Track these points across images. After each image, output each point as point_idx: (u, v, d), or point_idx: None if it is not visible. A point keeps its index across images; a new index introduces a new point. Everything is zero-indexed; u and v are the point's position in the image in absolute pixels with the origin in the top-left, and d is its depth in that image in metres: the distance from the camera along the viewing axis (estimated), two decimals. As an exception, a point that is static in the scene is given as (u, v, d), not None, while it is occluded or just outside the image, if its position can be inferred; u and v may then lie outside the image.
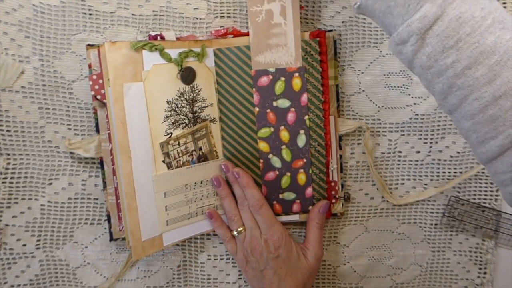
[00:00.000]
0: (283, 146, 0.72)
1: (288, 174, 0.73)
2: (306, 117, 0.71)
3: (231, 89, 0.71)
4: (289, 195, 0.74)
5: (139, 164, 0.66)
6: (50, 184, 0.72)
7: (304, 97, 0.71)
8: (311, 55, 0.70)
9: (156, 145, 0.67)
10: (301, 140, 0.72)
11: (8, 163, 0.70)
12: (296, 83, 0.70)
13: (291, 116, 0.71)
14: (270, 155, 0.72)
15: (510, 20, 0.45)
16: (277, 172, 0.73)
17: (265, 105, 0.71)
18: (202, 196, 0.72)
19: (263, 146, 0.72)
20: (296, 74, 0.70)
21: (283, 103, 0.71)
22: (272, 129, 0.71)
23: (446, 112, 0.51)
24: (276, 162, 0.72)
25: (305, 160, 0.72)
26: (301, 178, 0.73)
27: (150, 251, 0.68)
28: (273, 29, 0.69)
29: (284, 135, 0.72)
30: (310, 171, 0.73)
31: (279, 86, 0.70)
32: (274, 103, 0.71)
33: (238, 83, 0.70)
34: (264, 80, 0.70)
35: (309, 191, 0.73)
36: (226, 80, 0.71)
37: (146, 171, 0.66)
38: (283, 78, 0.70)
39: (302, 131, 0.72)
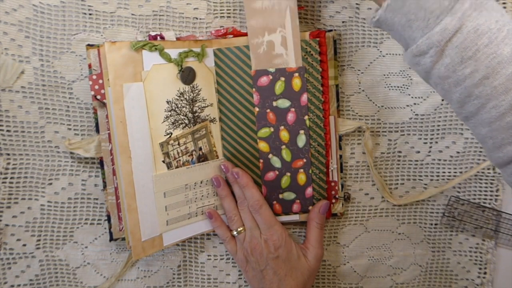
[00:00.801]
0: (283, 146, 0.72)
1: (288, 174, 0.73)
2: (306, 117, 0.71)
3: (231, 89, 0.71)
4: (289, 195, 0.73)
5: (139, 164, 0.66)
6: (50, 184, 0.72)
7: (304, 97, 0.71)
8: (311, 55, 0.70)
9: (156, 145, 0.67)
10: (301, 140, 0.72)
11: (8, 163, 0.70)
12: (296, 83, 0.70)
13: (291, 116, 0.71)
14: (270, 155, 0.72)
15: None
16: (277, 172, 0.73)
17: (265, 105, 0.71)
18: (202, 196, 0.72)
19: (263, 146, 0.72)
20: (296, 74, 0.70)
21: (283, 103, 0.71)
22: (272, 129, 0.71)
23: (462, 119, 0.52)
24: (276, 162, 0.72)
25: (305, 160, 0.72)
26: (301, 178, 0.73)
27: (150, 251, 0.68)
28: (275, 59, 0.69)
29: (284, 135, 0.71)
30: (310, 171, 0.73)
31: (279, 86, 0.70)
32: (274, 103, 0.71)
33: (238, 83, 0.70)
34: (264, 80, 0.70)
35: (309, 191, 0.73)
36: (226, 80, 0.71)
37: (146, 171, 0.66)
38: (283, 78, 0.70)
39: (302, 131, 0.71)
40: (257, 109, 0.71)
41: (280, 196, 0.73)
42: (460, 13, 0.47)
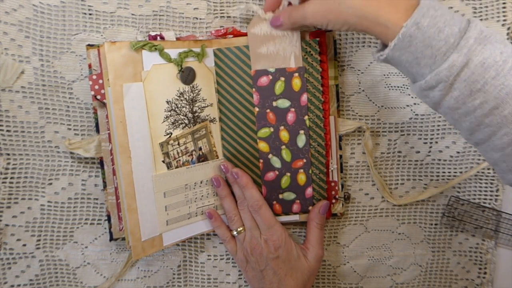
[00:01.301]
0: (283, 146, 0.72)
1: (288, 174, 0.72)
2: (306, 117, 0.71)
3: (231, 89, 0.70)
4: (289, 195, 0.73)
5: (139, 164, 0.66)
6: (50, 184, 0.72)
7: (304, 97, 0.70)
8: (311, 55, 0.70)
9: (156, 145, 0.67)
10: (301, 140, 0.71)
11: (8, 163, 0.70)
12: (296, 83, 0.70)
13: (291, 116, 0.71)
14: (270, 155, 0.72)
15: None
16: (277, 172, 0.72)
17: (264, 105, 0.70)
18: (202, 196, 0.72)
19: (263, 146, 0.72)
20: (296, 74, 0.69)
21: (283, 103, 0.70)
22: (272, 129, 0.71)
23: (472, 144, 0.54)
24: (276, 162, 0.72)
25: (305, 160, 0.72)
26: (301, 178, 0.73)
27: (150, 251, 0.68)
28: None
29: (284, 135, 0.71)
30: (310, 171, 0.72)
31: (279, 86, 0.70)
32: (274, 103, 0.70)
33: (238, 83, 0.70)
34: (263, 80, 0.70)
35: (309, 191, 0.73)
36: (226, 80, 0.70)
37: (146, 171, 0.66)
38: (282, 78, 0.70)
39: (302, 131, 0.71)
40: (257, 109, 0.71)
41: (280, 196, 0.73)
42: (466, 49, 0.48)
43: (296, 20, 0.62)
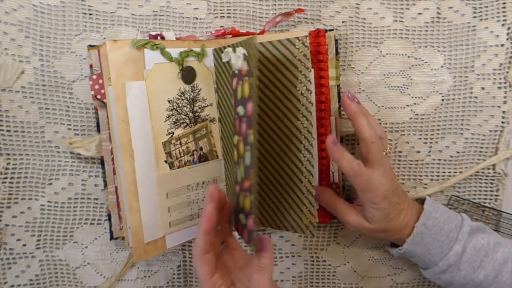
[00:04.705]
0: (241, 160, 0.60)
1: (242, 193, 0.60)
2: (250, 131, 0.58)
3: (227, 90, 0.69)
4: (243, 219, 0.61)
5: (141, 164, 0.65)
6: (50, 184, 0.71)
7: (250, 107, 0.58)
8: (251, 56, 0.59)
9: (158, 145, 0.66)
10: (247, 158, 0.58)
11: (8, 163, 0.70)
12: (245, 88, 0.59)
13: (243, 127, 0.59)
14: (237, 166, 0.61)
15: (502, 239, 0.68)
16: (238, 187, 0.61)
17: (235, 110, 0.62)
18: (204, 197, 0.71)
19: (235, 154, 0.62)
20: (246, 78, 0.59)
21: (240, 110, 0.60)
22: (239, 138, 0.61)
23: None
24: (238, 175, 0.61)
25: (249, 183, 0.59)
26: (246, 203, 0.60)
27: (152, 253, 0.66)
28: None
29: (241, 147, 0.60)
30: (253, 198, 0.59)
31: (240, 91, 0.60)
32: (237, 109, 0.61)
33: (232, 84, 0.68)
34: (234, 83, 0.62)
35: (250, 222, 0.59)
36: (223, 80, 0.70)
37: (148, 171, 0.65)
38: (241, 82, 0.60)
39: (248, 147, 0.58)
40: (233, 113, 0.63)
41: (239, 215, 0.62)
42: (463, 240, 0.65)
43: (334, 210, 0.71)
